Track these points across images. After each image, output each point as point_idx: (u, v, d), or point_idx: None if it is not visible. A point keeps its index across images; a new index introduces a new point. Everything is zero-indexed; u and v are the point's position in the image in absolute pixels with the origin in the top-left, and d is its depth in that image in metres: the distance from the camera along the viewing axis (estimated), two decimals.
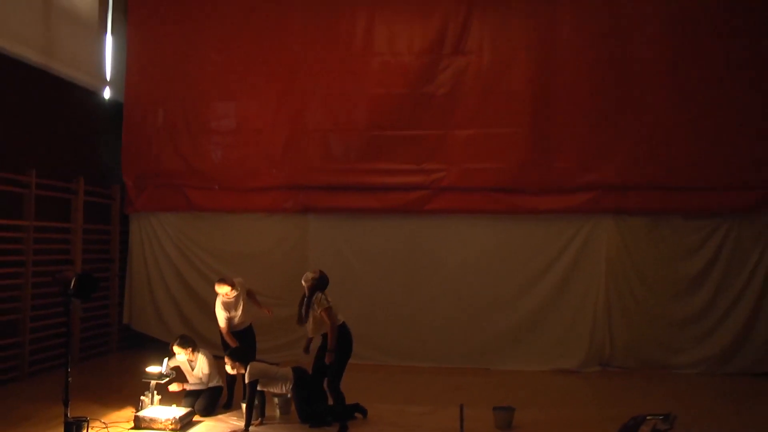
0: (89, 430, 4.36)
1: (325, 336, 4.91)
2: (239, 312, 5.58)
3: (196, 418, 5.01)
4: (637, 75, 7.32)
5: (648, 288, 7.36)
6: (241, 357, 4.97)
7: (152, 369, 5.05)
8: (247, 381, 4.75)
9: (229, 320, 5.55)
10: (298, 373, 4.97)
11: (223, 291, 5.49)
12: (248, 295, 5.74)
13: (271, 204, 7.72)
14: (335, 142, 7.69)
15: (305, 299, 4.96)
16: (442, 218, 7.57)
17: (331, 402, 4.91)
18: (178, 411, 4.81)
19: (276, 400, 5.15)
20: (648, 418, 4.43)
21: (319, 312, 4.83)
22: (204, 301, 7.29)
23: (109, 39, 8.02)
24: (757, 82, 7.17)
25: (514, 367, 7.26)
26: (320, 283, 4.95)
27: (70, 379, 4.13)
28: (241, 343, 5.39)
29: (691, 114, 7.22)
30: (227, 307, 5.53)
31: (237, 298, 5.56)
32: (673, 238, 7.35)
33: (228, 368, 5.02)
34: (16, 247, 6.28)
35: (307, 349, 5.14)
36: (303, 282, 5.00)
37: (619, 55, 7.35)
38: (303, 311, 4.97)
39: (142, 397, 4.96)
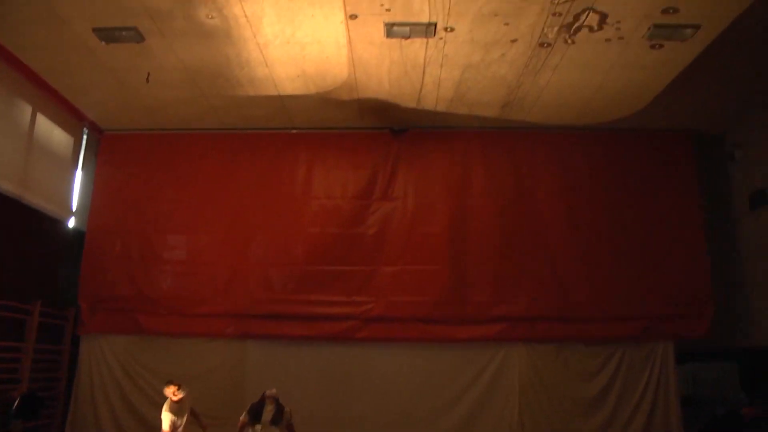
0: None
1: None
2: (184, 420, 6.13)
3: None
4: (539, 221, 8.42)
5: (557, 407, 8.05)
6: None
7: None
8: None
9: (174, 424, 6.07)
10: None
11: (171, 390, 6.07)
12: (191, 412, 6.31)
13: (214, 329, 8.25)
14: (275, 275, 8.36)
15: (263, 407, 6.04)
16: (370, 345, 8.23)
17: None
18: None
19: None
20: None
21: (285, 424, 5.84)
22: (147, 423, 7.66)
23: (78, 174, 8.79)
24: (637, 230, 8.35)
25: None
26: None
27: None
28: None
29: (585, 255, 8.29)
30: (174, 411, 6.08)
31: (183, 403, 6.12)
32: (577, 362, 8.16)
33: None
34: None
35: None
36: (268, 393, 6.19)
37: (524, 204, 8.47)
38: (265, 417, 6.00)
39: None
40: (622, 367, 8.10)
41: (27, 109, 7.57)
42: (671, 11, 5.92)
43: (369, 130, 8.77)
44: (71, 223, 8.68)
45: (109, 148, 8.98)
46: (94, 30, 6.26)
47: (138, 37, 6.36)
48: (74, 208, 8.74)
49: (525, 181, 8.57)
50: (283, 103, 7.97)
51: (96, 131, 8.95)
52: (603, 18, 6.06)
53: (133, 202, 8.72)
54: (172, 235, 8.63)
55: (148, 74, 7.15)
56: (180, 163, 8.81)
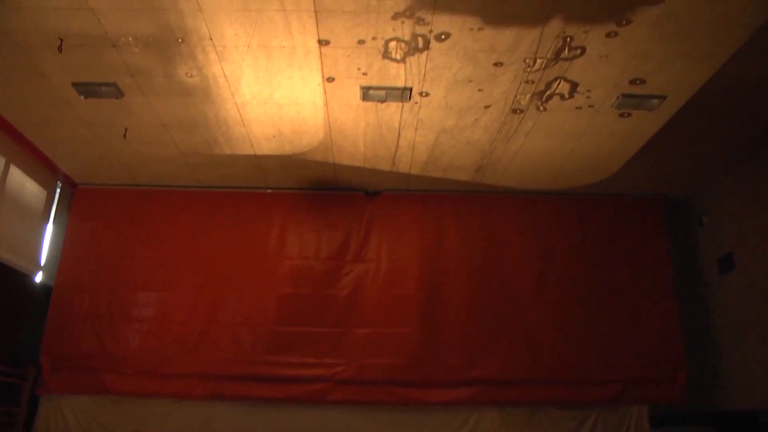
0: None
1: None
2: None
3: None
4: (512, 284, 8.43)
5: None
6: None
7: None
8: None
9: None
10: None
11: None
12: None
13: (181, 390, 8.03)
14: (245, 335, 8.22)
15: None
16: (341, 408, 8.06)
17: None
18: None
19: None
20: None
21: None
22: None
23: (49, 227, 8.68)
24: (609, 294, 8.42)
25: None
26: None
27: None
28: None
29: (558, 318, 8.28)
30: None
31: None
32: (551, 426, 8.05)
33: None
34: None
35: None
36: None
37: (496, 267, 8.50)
38: None
39: None
40: (596, 431, 8.02)
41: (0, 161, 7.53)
42: (638, 82, 6.15)
43: (344, 191, 8.84)
44: (38, 277, 8.52)
45: (82, 202, 8.91)
46: (74, 84, 6.30)
47: (117, 93, 6.41)
48: (42, 263, 8.60)
49: (498, 244, 8.64)
50: (259, 162, 8.03)
51: (69, 185, 8.90)
52: (574, 87, 6.27)
53: (104, 258, 8.59)
54: (142, 292, 8.47)
55: (126, 130, 7.19)
56: (153, 219, 8.76)
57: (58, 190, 8.79)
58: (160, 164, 8.15)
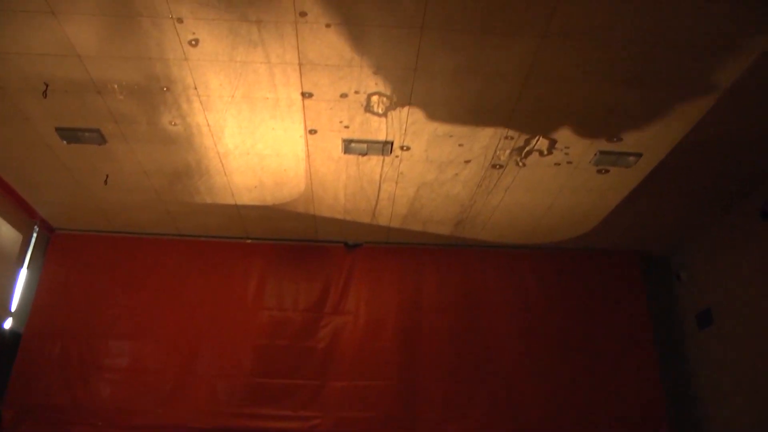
0: None
1: None
2: None
3: None
4: (491, 338, 8.39)
5: None
6: None
7: None
8: None
9: None
10: None
11: None
12: None
13: None
14: (221, 387, 8.06)
15: None
16: None
17: None
18: None
19: None
20: None
21: None
22: None
23: (23, 273, 8.51)
24: (589, 349, 8.40)
25: None
26: None
27: None
28: None
29: (538, 373, 8.22)
30: None
31: None
32: None
33: None
34: None
35: None
36: None
37: (475, 321, 8.47)
38: None
39: None
40: None
41: None
42: (615, 140, 6.29)
43: (323, 243, 8.84)
44: (7, 324, 8.29)
45: (59, 248, 8.80)
46: (57, 129, 6.30)
47: (100, 139, 6.43)
48: (13, 309, 8.37)
49: (477, 297, 8.65)
50: (240, 212, 8.03)
51: (47, 229, 8.81)
52: (552, 143, 6.39)
53: (78, 305, 8.44)
54: (116, 340, 8.30)
55: (107, 176, 7.18)
56: (130, 267, 8.67)
57: (35, 235, 8.66)
58: (140, 211, 8.12)
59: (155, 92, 5.75)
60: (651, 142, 6.34)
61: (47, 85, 5.63)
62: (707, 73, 5.37)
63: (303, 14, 4.84)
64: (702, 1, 4.60)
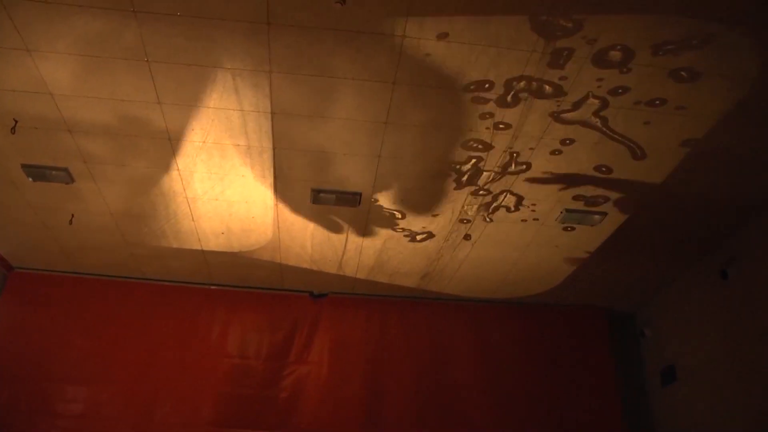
0: None
1: None
2: None
3: None
4: (456, 391, 8.34)
5: None
6: None
7: None
8: None
9: None
10: None
11: None
12: None
13: None
14: None
15: None
16: None
17: None
18: None
19: None
20: None
21: None
22: None
23: None
24: (554, 404, 8.39)
25: None
26: None
27: None
28: None
29: (503, 426, 8.17)
30: None
31: None
32: None
33: None
34: None
35: None
36: None
37: (441, 373, 8.42)
38: None
39: None
40: None
41: None
42: (581, 198, 6.43)
43: (289, 292, 8.77)
44: None
45: (16, 287, 8.54)
46: (23, 166, 6.21)
47: (68, 178, 6.36)
48: None
49: (442, 349, 8.61)
50: (206, 258, 7.95)
51: (5, 268, 8.59)
52: (519, 200, 6.50)
53: (32, 347, 8.13)
54: (71, 385, 8.00)
55: (72, 216, 7.08)
56: (91, 309, 8.44)
57: None
58: (104, 253, 7.99)
59: (127, 134, 5.74)
60: (616, 201, 6.50)
61: (16, 122, 5.59)
62: (670, 137, 5.57)
63: (278, 64, 4.92)
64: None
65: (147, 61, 4.92)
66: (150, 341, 8.32)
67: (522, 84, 5.03)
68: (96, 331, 8.33)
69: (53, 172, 6.29)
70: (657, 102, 5.16)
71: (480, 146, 5.74)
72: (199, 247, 7.70)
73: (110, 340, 8.28)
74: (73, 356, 8.15)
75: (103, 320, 8.40)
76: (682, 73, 4.86)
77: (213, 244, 7.60)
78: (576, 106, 5.24)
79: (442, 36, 4.64)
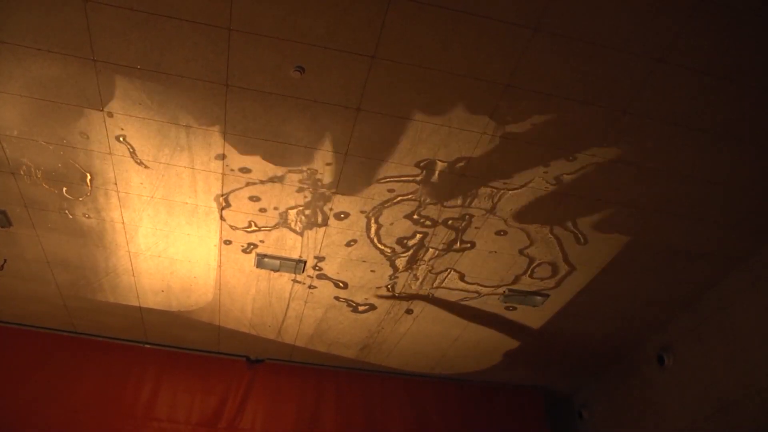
0: None
1: None
2: None
3: None
4: None
5: None
6: None
7: None
8: None
9: None
10: None
11: None
12: None
13: None
14: None
15: None
16: None
17: None
18: None
19: None
20: None
21: None
22: None
23: None
24: None
25: None
26: None
27: None
28: None
29: None
30: None
31: None
32: None
33: None
34: None
35: None
36: None
37: None
38: None
39: None
40: None
41: None
42: (524, 279, 6.56)
43: (225, 356, 8.57)
44: None
45: None
46: None
47: (4, 221, 6.18)
48: None
49: (377, 422, 8.45)
50: (142, 315, 7.75)
51: None
52: (462, 277, 6.59)
53: None
54: None
55: (5, 261, 6.86)
56: (14, 360, 8.00)
57: None
58: (35, 303, 7.70)
59: (73, 181, 5.66)
60: (557, 285, 6.68)
61: None
62: (612, 223, 5.77)
63: (232, 126, 4.98)
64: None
65: (102, 110, 4.92)
66: (74, 398, 7.91)
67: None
68: (17, 385, 7.84)
69: None
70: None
71: (428, 222, 5.84)
72: (136, 304, 7.51)
73: (32, 395, 7.82)
74: None
75: (25, 375, 7.92)
76: None
77: (151, 301, 7.43)
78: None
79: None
